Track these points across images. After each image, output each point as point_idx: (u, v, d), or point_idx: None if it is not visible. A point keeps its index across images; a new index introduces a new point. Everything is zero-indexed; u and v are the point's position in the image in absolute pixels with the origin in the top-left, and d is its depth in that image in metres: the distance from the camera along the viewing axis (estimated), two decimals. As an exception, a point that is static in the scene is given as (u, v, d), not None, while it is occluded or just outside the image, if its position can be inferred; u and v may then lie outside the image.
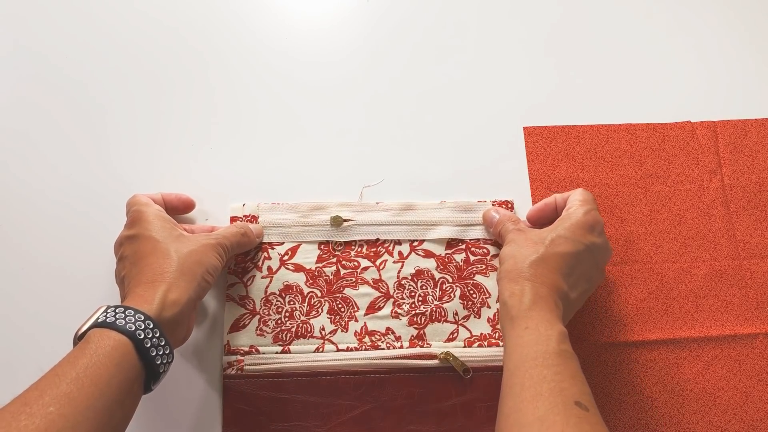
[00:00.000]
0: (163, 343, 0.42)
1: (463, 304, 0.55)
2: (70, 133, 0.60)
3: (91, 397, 0.37)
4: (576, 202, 0.51)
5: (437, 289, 0.56)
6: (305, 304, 0.55)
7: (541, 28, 0.65)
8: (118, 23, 0.64)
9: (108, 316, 0.41)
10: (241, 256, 0.56)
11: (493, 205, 0.58)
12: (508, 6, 0.66)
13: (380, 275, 0.56)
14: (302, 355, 0.53)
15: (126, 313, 0.41)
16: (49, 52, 0.63)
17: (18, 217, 0.57)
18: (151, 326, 0.41)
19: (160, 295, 0.43)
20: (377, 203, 0.58)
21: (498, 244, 0.56)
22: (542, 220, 0.54)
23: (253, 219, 0.57)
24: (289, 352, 0.54)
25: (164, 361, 0.42)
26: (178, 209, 0.55)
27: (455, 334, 0.54)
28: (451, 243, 0.57)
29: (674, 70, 0.64)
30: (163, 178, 0.59)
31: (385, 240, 0.57)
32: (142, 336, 0.40)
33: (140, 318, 0.41)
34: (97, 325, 0.40)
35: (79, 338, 0.40)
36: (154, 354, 0.41)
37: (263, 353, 0.53)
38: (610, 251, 0.51)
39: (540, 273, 0.46)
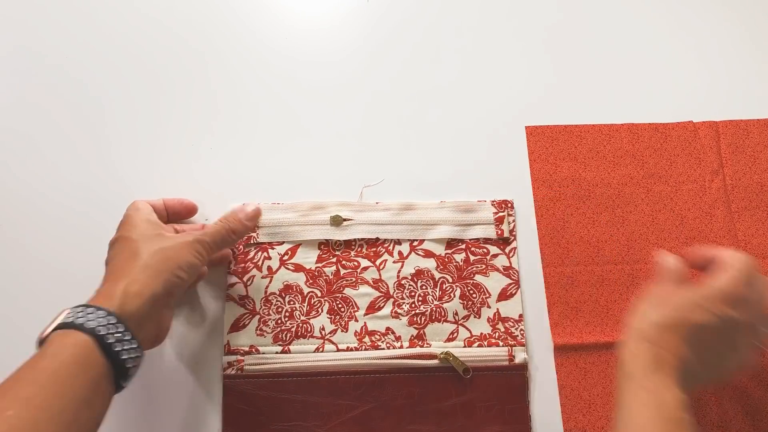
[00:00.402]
0: (128, 338, 0.41)
1: (463, 303, 0.55)
2: (70, 133, 0.60)
3: (52, 398, 0.36)
4: (727, 267, 0.45)
5: (437, 289, 0.55)
6: (305, 304, 0.55)
7: (542, 28, 0.65)
8: (118, 23, 0.64)
9: (68, 316, 0.40)
10: (242, 255, 0.56)
11: (492, 205, 0.57)
12: (509, 5, 0.66)
13: (380, 275, 0.56)
14: (302, 355, 0.53)
15: (87, 311, 0.40)
16: (49, 53, 0.63)
17: (18, 217, 0.57)
18: (114, 321, 0.40)
19: (121, 288, 0.42)
20: (377, 203, 0.58)
21: (497, 243, 0.56)
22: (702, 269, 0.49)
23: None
24: (289, 352, 0.54)
25: (131, 356, 0.41)
26: (181, 214, 0.55)
27: (455, 334, 0.54)
28: (451, 243, 0.57)
29: (676, 70, 0.63)
30: (163, 178, 0.59)
31: (385, 240, 0.57)
32: (104, 332, 0.39)
33: (101, 314, 0.40)
34: (58, 327, 0.40)
35: (41, 342, 0.40)
36: (119, 349, 0.40)
37: (263, 353, 0.53)
38: (755, 331, 0.46)
39: (664, 338, 0.43)
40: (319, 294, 0.55)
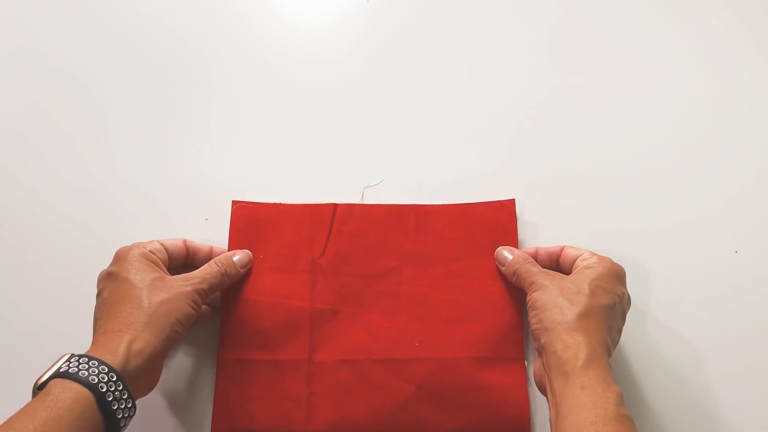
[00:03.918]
0: (125, 397, 0.40)
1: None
2: (69, 134, 0.60)
3: None
4: (592, 256, 0.50)
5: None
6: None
7: (542, 28, 0.65)
8: (118, 23, 0.64)
9: (71, 366, 0.39)
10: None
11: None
12: (510, 6, 0.66)
13: (380, 275, 0.56)
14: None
15: (90, 363, 0.40)
16: (50, 53, 0.63)
17: (17, 219, 0.57)
18: (114, 379, 0.40)
19: (125, 345, 0.41)
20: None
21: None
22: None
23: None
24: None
25: (125, 415, 0.40)
26: (202, 261, 0.52)
27: (455, 335, 0.54)
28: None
29: (675, 73, 0.63)
30: (163, 178, 0.59)
31: (385, 240, 0.57)
32: (105, 389, 0.39)
33: (104, 370, 0.39)
34: (59, 375, 0.39)
35: (39, 388, 0.39)
36: (115, 408, 0.39)
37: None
38: (630, 300, 0.50)
39: (590, 327, 0.44)
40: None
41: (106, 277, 0.47)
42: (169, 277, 0.47)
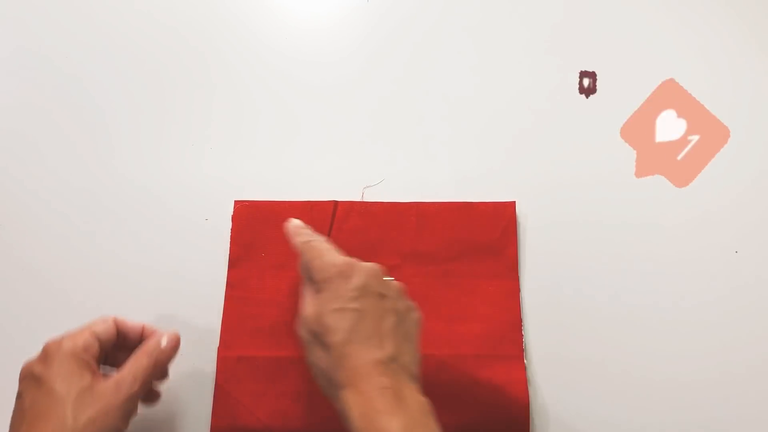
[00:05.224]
0: None
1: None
2: (69, 134, 0.60)
3: None
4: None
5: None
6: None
7: (543, 28, 0.65)
8: (118, 23, 0.64)
9: None
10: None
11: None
12: (510, 6, 0.66)
13: (380, 275, 0.56)
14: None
15: None
16: (49, 53, 0.63)
17: (17, 219, 0.57)
18: None
19: None
20: (378, 203, 0.58)
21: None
22: None
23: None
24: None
25: None
26: (134, 341, 0.47)
27: (455, 335, 0.55)
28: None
29: (675, 73, 0.63)
30: (163, 178, 0.59)
31: (385, 240, 0.57)
32: None
33: None
34: None
35: None
36: None
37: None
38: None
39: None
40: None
41: (30, 378, 0.42)
42: (98, 386, 0.42)
